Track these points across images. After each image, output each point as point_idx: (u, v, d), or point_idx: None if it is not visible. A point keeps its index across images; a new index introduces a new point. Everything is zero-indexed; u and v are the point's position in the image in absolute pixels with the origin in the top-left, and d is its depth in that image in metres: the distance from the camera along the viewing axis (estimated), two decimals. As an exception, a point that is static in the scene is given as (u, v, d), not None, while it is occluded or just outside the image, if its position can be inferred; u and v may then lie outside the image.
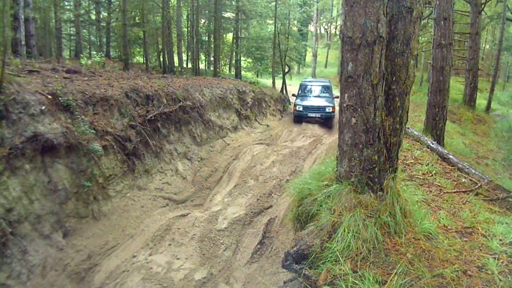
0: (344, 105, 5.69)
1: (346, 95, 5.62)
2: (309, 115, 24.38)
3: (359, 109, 5.51)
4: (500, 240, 6.33)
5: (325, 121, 24.58)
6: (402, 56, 5.70)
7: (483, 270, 5.33)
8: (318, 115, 24.43)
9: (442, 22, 13.61)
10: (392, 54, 5.69)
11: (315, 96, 26.45)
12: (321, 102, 25.30)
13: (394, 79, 5.74)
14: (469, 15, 26.89)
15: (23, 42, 15.18)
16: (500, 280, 5.07)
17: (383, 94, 5.64)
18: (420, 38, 31.44)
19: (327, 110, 24.46)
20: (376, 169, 5.81)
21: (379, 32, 5.24)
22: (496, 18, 32.17)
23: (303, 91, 27.31)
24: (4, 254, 7.32)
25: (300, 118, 24.90)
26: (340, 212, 5.64)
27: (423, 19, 26.09)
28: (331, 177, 6.63)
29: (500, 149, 19.70)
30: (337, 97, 21.19)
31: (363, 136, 5.62)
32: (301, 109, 24.72)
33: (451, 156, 11.04)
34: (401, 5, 5.61)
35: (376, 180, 5.85)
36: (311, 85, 28.04)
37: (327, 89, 27.38)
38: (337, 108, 18.59)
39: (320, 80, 30.65)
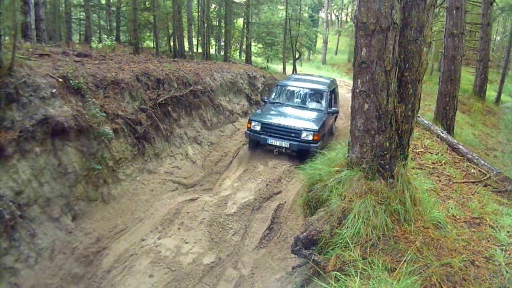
0: (357, 90, 5.68)
1: (359, 80, 5.61)
2: (269, 141, 14.06)
3: (371, 95, 5.51)
4: (508, 231, 6.34)
5: (300, 155, 13.88)
6: (415, 43, 5.69)
7: (491, 261, 5.35)
8: (285, 143, 13.91)
9: (454, 11, 13.54)
10: (405, 41, 5.69)
11: (296, 107, 16.24)
12: (296, 121, 14.46)
13: (407, 66, 5.74)
14: (480, 5, 26.70)
15: (33, 26, 15.17)
16: (507, 272, 5.10)
17: (396, 81, 5.63)
18: (432, 26, 31.30)
19: (303, 135, 13.75)
20: (388, 156, 5.81)
21: (393, 18, 5.22)
22: (507, 10, 31.99)
23: (280, 96, 17.10)
24: (13, 237, 7.34)
25: (257, 143, 14.74)
26: (350, 198, 5.65)
27: (435, 8, 25.91)
28: (342, 163, 6.64)
29: (510, 141, 19.61)
30: (334, 112, 16.62)
31: (375, 122, 5.62)
32: (257, 128, 14.30)
33: (460, 147, 11.01)
34: (415, -8, 5.60)
35: (387, 167, 5.85)
36: (295, 87, 17.33)
37: (320, 96, 16.71)
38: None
39: (315, 79, 19.03)
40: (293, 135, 14.01)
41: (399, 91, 5.77)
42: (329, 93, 16.91)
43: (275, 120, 14.64)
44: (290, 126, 14.14)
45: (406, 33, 5.68)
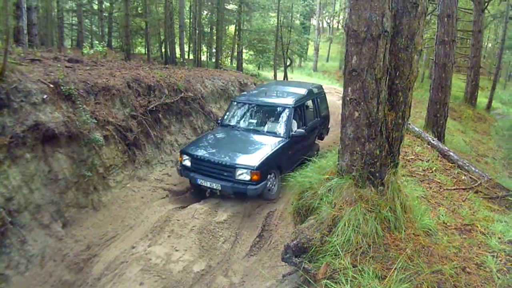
0: (348, 98, 5.69)
1: (349, 88, 5.61)
2: (198, 181, 11.18)
3: (362, 103, 5.51)
4: (499, 238, 6.36)
5: (243, 198, 11.34)
6: (406, 51, 5.70)
7: (482, 267, 5.35)
8: (216, 185, 10.95)
9: (446, 19, 13.63)
10: (396, 49, 5.69)
11: (249, 131, 12.92)
12: (234, 154, 11.27)
13: (397, 73, 5.75)
14: (472, 13, 26.91)
15: (25, 31, 15.17)
16: (499, 278, 5.10)
17: (386, 89, 5.64)
18: (423, 34, 31.42)
19: (238, 174, 10.71)
20: (378, 163, 5.82)
21: (384, 26, 5.23)
22: (499, 17, 32.18)
23: (233, 115, 13.89)
24: (3, 244, 7.33)
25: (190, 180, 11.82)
26: (340, 206, 5.65)
27: (427, 16, 26.04)
28: (332, 170, 6.63)
29: (500, 147, 19.73)
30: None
31: (366, 130, 5.62)
32: (187, 164, 11.52)
33: (451, 153, 11.05)
34: (406, 0, 5.61)
35: (377, 174, 5.86)
36: (253, 103, 13.82)
37: (280, 114, 13.08)
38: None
39: (287, 90, 15.17)
40: (225, 173, 10.84)
41: (389, 99, 5.78)
42: (297, 108, 13.30)
43: (208, 152, 11.46)
44: (222, 161, 10.91)
45: (397, 41, 5.69)
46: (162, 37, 27.66)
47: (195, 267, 8.24)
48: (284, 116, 12.88)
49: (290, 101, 13.33)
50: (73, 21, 32.26)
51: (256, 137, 12.45)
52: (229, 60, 36.94)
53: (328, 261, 5.10)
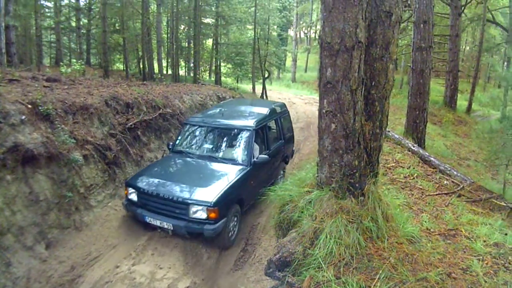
0: (324, 111, 5.69)
1: (325, 100, 5.62)
2: (147, 219, 9.60)
3: (338, 115, 5.51)
4: (484, 241, 6.39)
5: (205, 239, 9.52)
6: (381, 60, 5.72)
7: (468, 272, 5.36)
8: (167, 224, 9.35)
9: (422, 25, 13.72)
10: (371, 59, 5.71)
11: (204, 159, 11.17)
12: (186, 188, 9.66)
13: (373, 83, 5.76)
14: (449, 17, 27.07)
15: (3, 50, 15.09)
16: (485, 282, 5.12)
17: (363, 99, 5.66)
18: (400, 41, 31.61)
19: (192, 212, 9.14)
20: (357, 174, 5.82)
21: (358, 37, 5.24)
22: (476, 20, 32.34)
23: (185, 140, 12.07)
24: (-12, 267, 7.27)
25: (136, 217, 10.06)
26: (321, 218, 5.64)
27: (402, 22, 26.13)
28: (312, 183, 6.64)
29: (482, 150, 19.85)
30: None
31: (343, 141, 5.62)
32: (134, 198, 9.95)
33: (432, 159, 11.10)
34: (380, 10, 5.63)
35: (357, 185, 5.86)
36: (207, 126, 11.94)
37: (240, 139, 11.47)
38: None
39: (246, 110, 13.60)
40: (177, 211, 9.17)
41: (366, 109, 5.79)
42: (259, 131, 11.73)
43: (156, 185, 9.70)
44: (173, 196, 9.20)
45: (371, 51, 5.70)
46: (140, 53, 27.62)
47: (180, 285, 8.17)
48: (244, 140, 11.25)
49: (250, 122, 11.56)
50: (52, 39, 32.13)
51: (213, 166, 10.75)
52: (208, 74, 36.92)
53: (312, 274, 5.09)
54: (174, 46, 27.81)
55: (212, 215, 8.98)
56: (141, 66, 26.92)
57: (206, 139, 11.83)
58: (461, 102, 30.26)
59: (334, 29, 5.26)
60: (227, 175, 10.08)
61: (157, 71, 26.22)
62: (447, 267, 5.41)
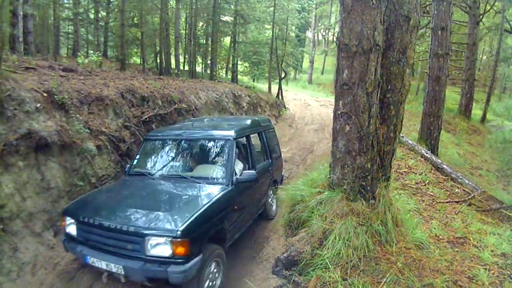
0: (339, 112, 5.70)
1: (340, 102, 5.63)
2: (88, 260, 6.54)
3: (353, 117, 5.52)
4: (492, 251, 6.37)
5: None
6: (398, 64, 5.72)
7: (474, 280, 5.36)
8: (116, 266, 6.19)
9: (440, 32, 13.66)
10: (388, 63, 5.71)
11: (169, 180, 8.34)
12: (144, 215, 6.61)
13: (389, 87, 5.77)
14: (467, 25, 26.96)
15: (20, 39, 15.12)
16: (491, 291, 5.10)
17: (378, 102, 5.66)
18: (417, 47, 31.40)
19: (150, 247, 6.03)
20: (369, 177, 5.82)
21: (376, 40, 5.24)
22: (494, 29, 32.17)
23: (145, 160, 9.42)
24: (-5, 251, 7.31)
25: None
26: (331, 219, 5.64)
27: (421, 29, 26.01)
28: (324, 184, 6.64)
29: (494, 160, 19.73)
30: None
31: (357, 143, 5.63)
32: (72, 231, 7.03)
33: (444, 166, 11.06)
34: (398, 14, 5.63)
35: (368, 188, 5.86)
36: (182, 137, 9.50)
37: (218, 150, 8.96)
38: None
39: (224, 122, 11.33)
40: (130, 246, 6.27)
41: (381, 112, 5.80)
42: (240, 143, 9.76)
43: (101, 212, 6.92)
44: (123, 225, 6.30)
45: (388, 55, 5.71)
46: (158, 48, 27.63)
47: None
48: (223, 153, 8.76)
49: (230, 132, 9.07)
50: (69, 30, 32.15)
51: (182, 187, 7.96)
52: (224, 72, 36.88)
53: (318, 274, 5.10)
54: (192, 43, 27.71)
55: (180, 250, 6.03)
56: (158, 60, 26.77)
57: (173, 155, 9.36)
58: (476, 111, 30.10)
59: (352, 31, 5.27)
60: (201, 197, 7.34)
61: (174, 66, 26.18)
62: (453, 274, 5.41)
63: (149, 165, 9.19)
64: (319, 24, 71.35)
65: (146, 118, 12.33)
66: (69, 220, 7.10)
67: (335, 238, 5.35)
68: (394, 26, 5.67)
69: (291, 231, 6.97)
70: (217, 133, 9.31)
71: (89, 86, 11.07)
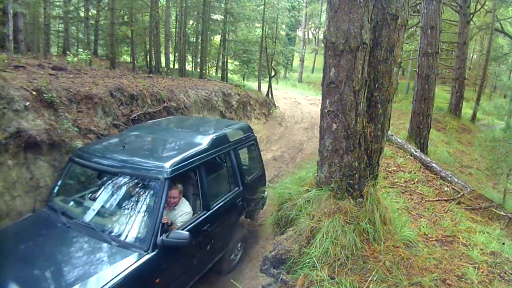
0: (326, 110, 5.69)
1: (327, 100, 5.62)
2: None
3: (340, 115, 5.51)
4: (481, 249, 6.39)
5: None
6: (385, 63, 5.71)
7: (463, 279, 5.35)
8: None
9: (429, 30, 13.70)
10: (375, 61, 5.70)
11: (88, 230, 6.22)
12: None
13: (376, 86, 5.76)
14: (457, 24, 27.02)
15: (11, 37, 15.09)
16: (480, 290, 5.10)
17: (365, 101, 5.65)
18: (407, 46, 31.63)
19: None
20: (356, 175, 5.82)
21: (363, 38, 5.23)
22: (484, 29, 32.30)
23: (70, 188, 7.69)
24: (-14, 252, 7.25)
25: None
26: (319, 217, 5.63)
27: (411, 28, 26.14)
28: (312, 182, 6.63)
29: (484, 158, 19.77)
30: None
31: (344, 142, 5.62)
32: None
33: (434, 165, 11.09)
34: (386, 12, 5.61)
35: (356, 186, 5.86)
36: (101, 167, 7.05)
37: (147, 195, 6.62)
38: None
39: (175, 137, 8.49)
40: None
41: (368, 111, 5.79)
42: (180, 179, 7.26)
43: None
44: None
45: (376, 53, 5.69)
46: (148, 46, 27.61)
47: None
48: (147, 199, 6.62)
49: (165, 163, 6.75)
50: (60, 28, 32.08)
51: (88, 251, 5.94)
52: (214, 70, 36.88)
53: (306, 273, 5.08)
54: (182, 41, 27.74)
55: None
56: (148, 59, 26.85)
57: (94, 190, 7.47)
58: (466, 110, 30.21)
59: (339, 29, 5.26)
60: (102, 271, 5.46)
61: (164, 65, 26.17)
62: (442, 273, 5.40)
63: (68, 198, 7.45)
64: (310, 23, 71.66)
65: (135, 117, 12.34)
66: None
67: (323, 237, 5.34)
68: (382, 24, 5.65)
69: (279, 230, 6.94)
70: (146, 165, 6.83)
71: (78, 84, 11.06)
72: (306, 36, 70.60)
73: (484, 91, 36.57)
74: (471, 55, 51.90)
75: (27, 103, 8.91)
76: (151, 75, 20.14)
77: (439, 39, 14.53)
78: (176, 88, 16.39)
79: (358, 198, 5.87)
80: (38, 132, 8.82)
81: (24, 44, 18.33)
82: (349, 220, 5.57)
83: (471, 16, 26.58)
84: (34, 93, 9.24)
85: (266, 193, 9.62)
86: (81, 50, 20.80)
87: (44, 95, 9.46)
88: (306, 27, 66.27)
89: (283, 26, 43.50)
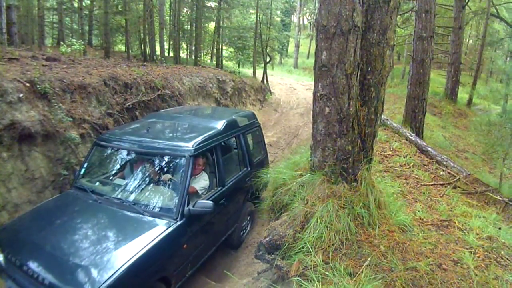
0: (318, 94, 5.65)
1: (319, 84, 5.58)
2: None
3: (332, 99, 5.48)
4: (477, 234, 6.38)
5: None
6: (378, 46, 5.67)
7: (459, 264, 5.35)
8: None
9: (424, 14, 13.62)
10: (368, 44, 5.66)
11: (116, 204, 6.93)
12: (56, 266, 5.49)
13: (369, 69, 5.72)
14: (452, 9, 26.93)
15: (4, 30, 15.09)
16: (476, 275, 5.10)
17: (358, 84, 5.62)
18: (403, 31, 31.57)
19: None
20: (350, 159, 5.79)
21: (354, 21, 5.20)
22: (480, 14, 32.20)
23: (95, 169, 8.30)
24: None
25: None
26: (313, 202, 5.60)
27: (406, 13, 26.03)
28: (305, 167, 6.62)
29: (480, 143, 19.77)
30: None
31: (337, 126, 5.59)
32: (1, 260, 5.99)
33: (429, 149, 11.07)
34: (378, -5, 5.58)
35: (350, 170, 5.83)
36: (128, 147, 7.83)
37: (175, 170, 7.51)
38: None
39: (191, 123, 9.46)
40: None
41: (361, 94, 5.76)
42: (201, 158, 8.02)
43: (25, 250, 5.97)
44: (40, 277, 5.41)
45: (368, 36, 5.65)
46: (142, 35, 27.54)
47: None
48: (174, 174, 7.47)
49: (188, 143, 7.56)
50: (54, 19, 31.98)
51: (120, 222, 6.63)
52: (209, 57, 36.82)
53: (300, 258, 5.07)
54: (176, 29, 27.69)
55: None
56: (143, 48, 26.76)
57: (119, 170, 8.15)
58: (462, 95, 30.20)
59: (330, 12, 5.22)
60: (137, 237, 6.08)
61: (159, 53, 26.10)
62: (438, 257, 5.40)
63: (94, 179, 7.98)
64: (304, 8, 71.38)
65: (129, 105, 12.31)
66: None
67: (317, 222, 5.31)
68: (374, 7, 5.61)
69: (274, 215, 6.94)
70: (171, 145, 7.63)
71: (71, 74, 11.05)
72: (301, 22, 70.42)
73: (480, 76, 36.61)
74: (467, 40, 51.81)
75: (21, 95, 8.90)
76: (145, 63, 20.10)
77: (434, 23, 14.45)
78: (171, 76, 16.36)
79: (352, 182, 5.84)
80: (32, 123, 8.81)
81: (19, 37, 18.32)
82: (343, 205, 5.55)
83: (467, 1, 26.50)
84: (27, 84, 9.23)
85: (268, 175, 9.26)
86: (74, 40, 20.73)
87: (38, 86, 9.45)
88: (301, 12, 66.03)
89: (278, 12, 43.48)
